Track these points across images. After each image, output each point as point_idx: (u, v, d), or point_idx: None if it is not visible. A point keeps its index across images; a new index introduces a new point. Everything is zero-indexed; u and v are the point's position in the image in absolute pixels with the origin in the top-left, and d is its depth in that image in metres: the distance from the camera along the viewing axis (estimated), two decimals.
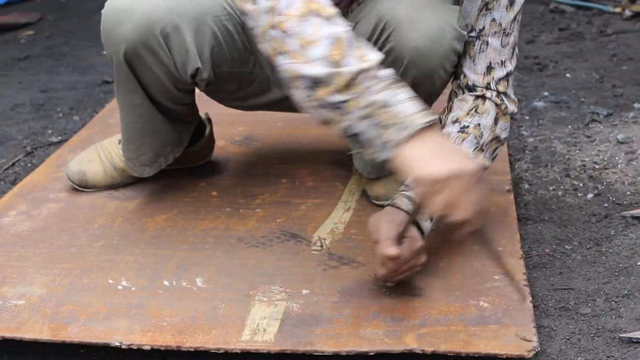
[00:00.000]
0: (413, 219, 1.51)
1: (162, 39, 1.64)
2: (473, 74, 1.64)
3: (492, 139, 1.63)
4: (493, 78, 1.63)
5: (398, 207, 1.54)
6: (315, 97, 1.32)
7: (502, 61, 1.63)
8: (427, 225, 1.58)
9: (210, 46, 1.68)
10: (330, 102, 1.31)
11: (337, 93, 1.30)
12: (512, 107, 1.66)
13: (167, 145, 1.91)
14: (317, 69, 1.29)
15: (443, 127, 1.63)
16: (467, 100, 1.64)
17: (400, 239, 1.49)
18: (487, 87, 1.63)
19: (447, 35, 1.57)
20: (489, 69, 1.63)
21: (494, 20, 1.60)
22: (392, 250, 1.46)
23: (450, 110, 1.66)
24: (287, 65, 1.32)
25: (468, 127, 1.61)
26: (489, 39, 1.61)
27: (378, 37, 1.61)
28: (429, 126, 1.30)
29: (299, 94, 1.34)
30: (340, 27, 1.32)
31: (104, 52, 3.37)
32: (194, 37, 1.65)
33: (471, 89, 1.65)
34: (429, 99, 1.68)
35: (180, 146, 1.94)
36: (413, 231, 1.53)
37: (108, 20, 1.67)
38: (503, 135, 1.66)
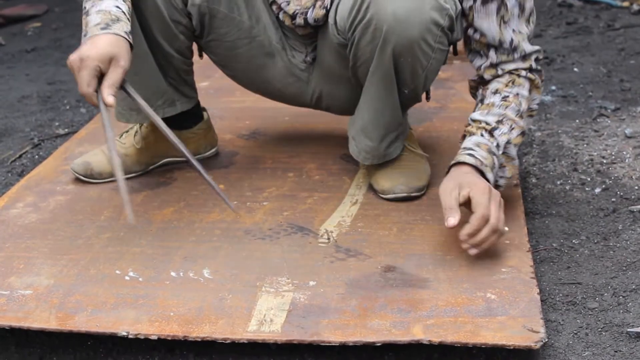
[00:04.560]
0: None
1: None
2: (513, 63, 1.77)
3: (527, 108, 1.77)
4: (532, 60, 1.78)
5: (462, 163, 1.67)
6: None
7: (531, 47, 1.79)
8: (490, 176, 1.67)
9: None
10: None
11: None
12: (540, 81, 1.81)
13: (158, 97, 1.91)
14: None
15: (482, 100, 1.78)
16: (503, 76, 1.77)
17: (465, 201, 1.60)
18: (530, 69, 1.78)
19: (425, 5, 1.62)
20: (525, 57, 1.77)
21: (514, 30, 1.76)
22: (449, 221, 1.57)
23: (487, 87, 1.78)
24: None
25: (508, 96, 1.75)
26: (522, 44, 1.77)
27: (359, 8, 1.66)
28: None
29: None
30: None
31: None
32: None
33: (509, 70, 1.78)
34: (416, 76, 1.73)
35: (172, 106, 1.95)
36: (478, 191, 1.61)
37: None
38: (534, 106, 1.80)
